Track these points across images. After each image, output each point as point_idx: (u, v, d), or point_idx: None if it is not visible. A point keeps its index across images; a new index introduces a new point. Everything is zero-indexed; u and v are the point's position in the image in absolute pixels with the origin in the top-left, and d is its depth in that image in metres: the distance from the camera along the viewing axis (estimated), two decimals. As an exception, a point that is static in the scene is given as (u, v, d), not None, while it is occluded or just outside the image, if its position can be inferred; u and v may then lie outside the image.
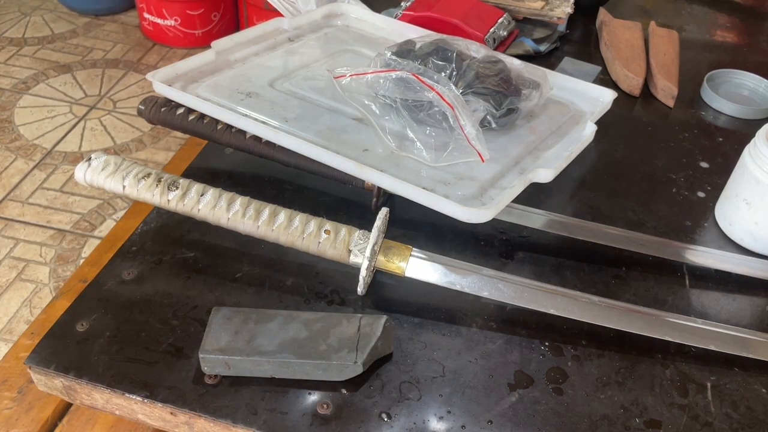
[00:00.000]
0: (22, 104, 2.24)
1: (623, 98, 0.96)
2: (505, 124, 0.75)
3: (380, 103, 0.74)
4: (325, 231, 0.61)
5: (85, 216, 1.87)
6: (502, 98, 0.74)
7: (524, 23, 1.08)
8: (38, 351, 0.57)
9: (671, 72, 0.98)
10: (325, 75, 0.80)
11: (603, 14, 1.12)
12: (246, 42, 0.86)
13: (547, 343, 0.61)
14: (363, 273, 0.60)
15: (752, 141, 0.70)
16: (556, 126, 0.79)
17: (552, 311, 0.60)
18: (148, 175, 0.64)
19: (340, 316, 0.58)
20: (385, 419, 0.54)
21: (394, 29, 0.96)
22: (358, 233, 0.61)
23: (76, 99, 2.29)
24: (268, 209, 0.62)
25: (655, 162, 0.84)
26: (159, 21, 2.50)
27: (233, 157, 0.78)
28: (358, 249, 0.60)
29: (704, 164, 0.85)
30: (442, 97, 0.69)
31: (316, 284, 0.64)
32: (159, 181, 0.63)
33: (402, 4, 1.03)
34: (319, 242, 0.61)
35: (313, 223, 0.61)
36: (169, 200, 0.63)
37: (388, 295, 0.64)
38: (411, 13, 1.00)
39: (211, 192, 0.64)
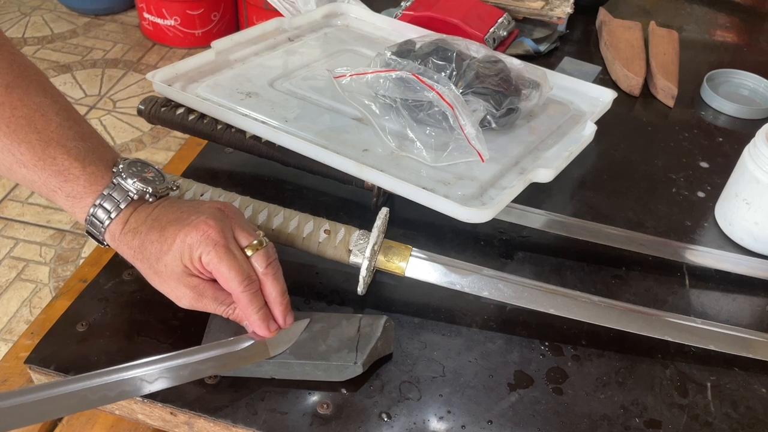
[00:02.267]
0: (22, 104, 2.24)
1: (623, 98, 0.96)
2: (505, 124, 0.75)
3: (380, 103, 0.74)
4: (324, 231, 0.61)
5: (84, 216, 1.87)
6: (502, 98, 0.74)
7: (524, 23, 1.08)
8: (38, 351, 0.57)
9: (671, 72, 0.98)
10: (325, 75, 0.80)
11: (603, 14, 1.12)
12: (246, 42, 0.86)
13: (547, 343, 0.61)
14: (363, 273, 0.60)
15: (752, 141, 0.70)
16: (556, 126, 0.79)
17: (552, 311, 0.60)
18: (148, 175, 0.64)
19: (340, 317, 0.58)
20: (385, 419, 0.54)
21: (394, 29, 0.96)
22: (357, 233, 0.61)
23: (75, 99, 2.29)
24: (267, 209, 0.62)
25: (655, 162, 0.84)
26: (159, 21, 2.50)
27: (233, 156, 0.78)
28: (358, 249, 0.60)
29: (704, 164, 0.85)
30: (442, 97, 0.69)
31: (316, 284, 0.64)
32: (159, 181, 0.63)
33: (402, 3, 1.03)
34: (319, 242, 0.61)
35: (313, 223, 0.61)
36: (169, 200, 0.63)
37: (388, 295, 0.64)
38: (411, 12, 1.00)
39: (211, 192, 0.64)
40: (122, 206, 0.52)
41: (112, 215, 0.52)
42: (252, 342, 0.53)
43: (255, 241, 0.53)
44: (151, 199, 0.53)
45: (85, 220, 0.53)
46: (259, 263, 0.52)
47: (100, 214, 0.52)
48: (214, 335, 0.55)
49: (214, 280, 0.52)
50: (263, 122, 0.71)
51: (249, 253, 0.52)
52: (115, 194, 0.52)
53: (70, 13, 2.75)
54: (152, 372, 0.50)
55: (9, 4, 2.80)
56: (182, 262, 0.51)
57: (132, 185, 0.52)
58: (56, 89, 0.55)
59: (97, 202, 0.52)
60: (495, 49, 0.98)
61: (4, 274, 1.71)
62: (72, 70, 2.43)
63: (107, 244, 0.54)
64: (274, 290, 0.53)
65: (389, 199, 0.72)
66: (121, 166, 0.53)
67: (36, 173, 0.51)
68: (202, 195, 0.63)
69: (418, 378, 0.57)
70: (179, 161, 0.79)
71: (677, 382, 0.59)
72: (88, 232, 0.54)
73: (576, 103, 0.84)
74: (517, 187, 0.66)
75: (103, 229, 0.53)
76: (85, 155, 0.52)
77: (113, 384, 0.49)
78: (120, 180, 0.52)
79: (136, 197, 0.52)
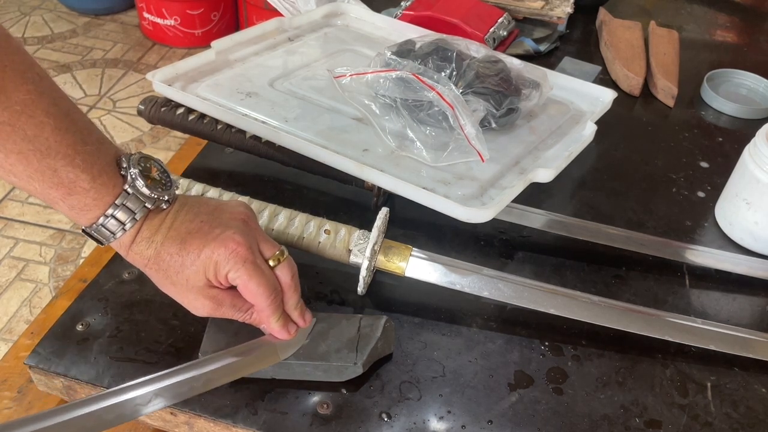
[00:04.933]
0: (22, 104, 2.23)
1: (623, 98, 0.96)
2: (505, 123, 0.75)
3: (380, 103, 0.74)
4: (324, 231, 0.61)
5: (84, 216, 1.87)
6: (502, 98, 0.74)
7: (524, 23, 1.08)
8: (38, 351, 0.57)
9: (671, 72, 0.98)
10: (325, 75, 0.80)
11: (603, 14, 1.12)
12: (246, 42, 0.86)
13: (547, 343, 0.61)
14: (363, 273, 0.60)
15: (752, 141, 0.70)
16: (556, 126, 0.79)
17: (552, 311, 0.60)
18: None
19: (339, 317, 0.58)
20: (385, 419, 0.54)
21: (394, 29, 0.95)
22: (357, 233, 0.61)
23: (75, 99, 2.29)
24: (268, 209, 0.62)
25: (655, 162, 0.84)
26: (159, 21, 2.50)
27: (233, 156, 0.78)
28: (358, 249, 0.60)
29: (704, 164, 0.85)
30: (442, 96, 0.69)
31: (316, 284, 0.64)
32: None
33: (402, 3, 1.03)
34: (319, 242, 0.61)
35: (313, 223, 0.61)
36: (169, 200, 0.63)
37: (388, 295, 0.64)
38: (411, 12, 1.00)
39: (211, 192, 0.64)
40: (137, 217, 0.48)
41: (126, 227, 0.48)
42: (262, 348, 0.53)
43: (277, 252, 0.52)
44: (164, 206, 0.50)
45: (91, 227, 0.48)
46: (284, 274, 0.52)
47: (111, 224, 0.47)
48: (214, 335, 0.55)
49: (232, 288, 0.52)
50: (263, 122, 0.71)
51: (272, 263, 0.52)
52: (129, 204, 0.47)
53: (70, 13, 2.75)
54: (165, 387, 0.49)
55: (9, 3, 2.79)
56: (206, 276, 0.49)
57: (149, 195, 0.48)
58: (41, 73, 0.45)
59: (109, 212, 0.47)
60: (495, 49, 0.98)
61: (4, 273, 1.71)
62: (72, 70, 2.43)
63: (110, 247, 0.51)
64: (292, 298, 0.53)
65: (389, 199, 0.72)
66: (131, 170, 0.47)
67: (32, 185, 0.44)
68: (202, 195, 0.63)
69: (418, 378, 0.57)
70: (179, 161, 0.79)
71: (677, 382, 0.59)
72: (91, 236, 0.49)
73: (576, 103, 0.84)
74: (517, 187, 0.66)
75: (112, 239, 0.48)
76: (92, 163, 0.46)
77: (126, 402, 0.48)
78: (134, 189, 0.47)
79: (152, 207, 0.48)
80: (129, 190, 0.47)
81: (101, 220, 0.47)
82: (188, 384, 0.50)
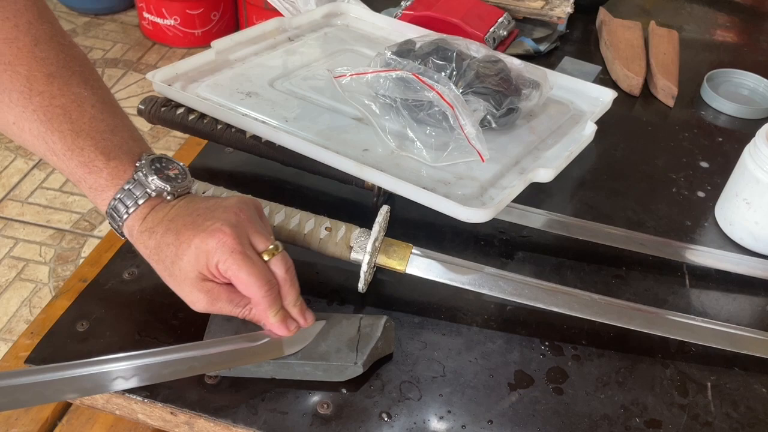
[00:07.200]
0: (22, 104, 2.23)
1: (623, 98, 0.96)
2: (505, 123, 0.75)
3: (380, 103, 0.74)
4: (325, 228, 0.61)
5: (84, 215, 1.87)
6: (502, 98, 0.74)
7: (524, 23, 1.08)
8: (38, 351, 0.57)
9: (671, 72, 0.98)
10: (325, 75, 0.80)
11: (603, 14, 1.12)
12: (246, 41, 0.86)
13: (547, 343, 0.61)
14: (364, 269, 0.60)
15: (752, 141, 0.71)
16: (556, 126, 0.79)
17: (553, 308, 0.60)
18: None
19: (340, 317, 0.58)
20: (386, 419, 0.54)
21: (394, 29, 0.96)
22: (358, 230, 0.61)
23: (75, 98, 2.29)
24: (269, 207, 0.62)
25: (655, 162, 0.84)
26: (158, 20, 2.50)
27: (233, 156, 0.78)
28: (359, 246, 0.60)
29: (704, 164, 0.85)
30: (442, 96, 0.69)
31: (317, 283, 0.64)
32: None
33: (402, 3, 1.03)
34: (320, 239, 0.61)
35: (314, 220, 0.61)
36: (169, 200, 0.63)
37: (389, 294, 0.64)
38: (411, 12, 1.00)
39: (213, 190, 0.64)
40: (140, 202, 0.52)
41: (130, 210, 0.52)
42: (267, 339, 0.54)
43: (271, 246, 0.52)
44: (169, 198, 0.53)
45: (106, 212, 0.53)
46: (278, 268, 0.52)
47: (120, 207, 0.52)
48: (215, 335, 0.55)
49: (229, 283, 0.52)
50: (263, 122, 0.71)
51: (266, 258, 0.52)
52: (134, 190, 0.52)
53: (70, 13, 2.75)
54: (166, 361, 0.50)
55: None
56: (197, 268, 0.51)
57: (152, 182, 0.52)
58: (100, 82, 0.56)
59: (117, 196, 0.52)
60: (495, 48, 0.98)
61: (4, 273, 1.71)
62: (72, 70, 2.42)
63: (127, 238, 0.55)
64: (290, 294, 0.53)
65: (389, 198, 0.72)
66: (143, 161, 0.53)
67: (65, 162, 0.52)
68: (204, 193, 0.63)
69: (418, 378, 0.57)
70: (179, 161, 0.79)
71: (677, 381, 0.59)
72: (110, 224, 0.54)
73: (576, 103, 0.84)
74: (518, 187, 0.66)
75: (121, 223, 0.53)
76: (111, 149, 0.52)
77: (134, 369, 0.50)
78: (140, 176, 0.52)
79: (154, 194, 0.52)
80: (136, 176, 0.52)
81: (112, 203, 0.52)
82: (188, 362, 0.51)
